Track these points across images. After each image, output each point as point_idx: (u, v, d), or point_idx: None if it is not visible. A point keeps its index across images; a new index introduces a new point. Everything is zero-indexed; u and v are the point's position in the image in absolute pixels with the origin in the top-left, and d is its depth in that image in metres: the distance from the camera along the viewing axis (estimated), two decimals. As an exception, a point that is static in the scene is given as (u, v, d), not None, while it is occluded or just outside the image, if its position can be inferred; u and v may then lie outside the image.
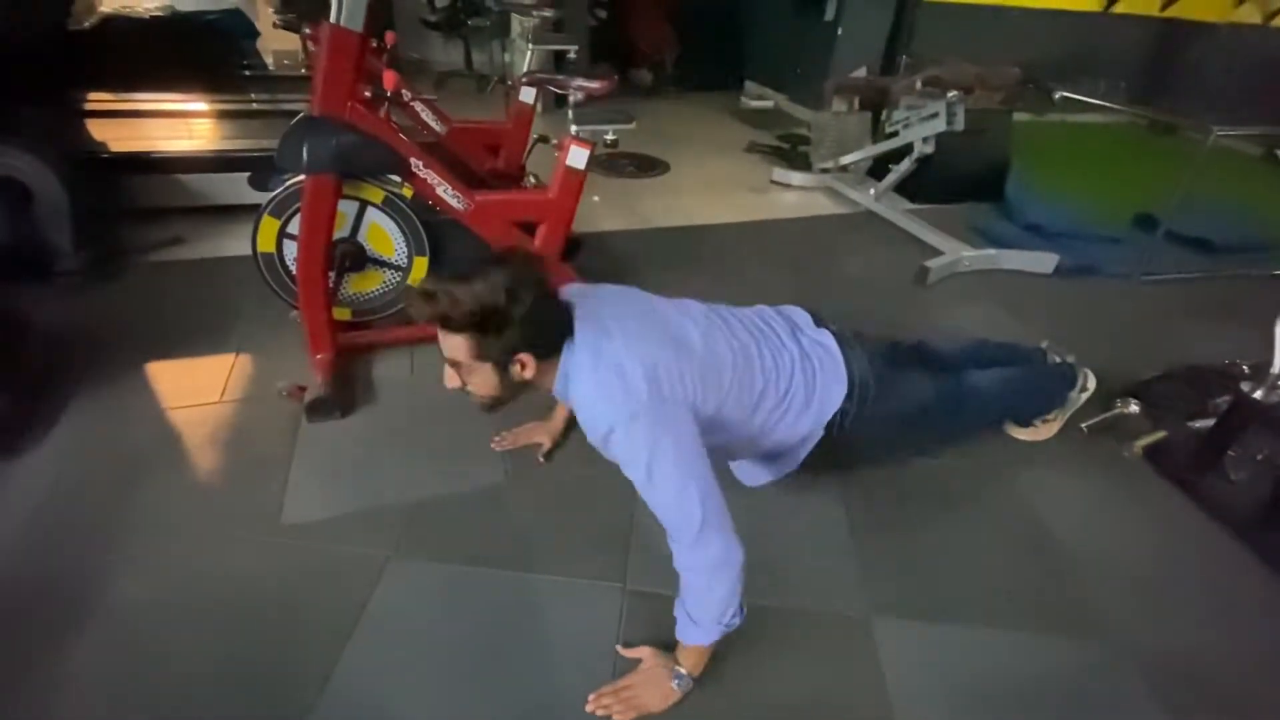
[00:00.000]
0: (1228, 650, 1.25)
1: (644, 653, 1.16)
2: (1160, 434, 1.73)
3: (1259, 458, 1.62)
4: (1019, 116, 3.64)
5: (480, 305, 1.00)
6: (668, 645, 1.14)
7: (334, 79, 1.51)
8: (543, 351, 1.08)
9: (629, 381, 1.04)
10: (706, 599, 1.06)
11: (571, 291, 1.19)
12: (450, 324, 1.03)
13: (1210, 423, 1.69)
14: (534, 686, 1.13)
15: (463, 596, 1.27)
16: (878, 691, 1.15)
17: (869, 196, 3.27)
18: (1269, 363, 1.54)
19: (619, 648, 1.19)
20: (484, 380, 1.10)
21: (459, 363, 1.08)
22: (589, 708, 1.09)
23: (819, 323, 1.40)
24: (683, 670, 1.10)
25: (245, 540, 1.36)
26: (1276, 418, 1.52)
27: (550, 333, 1.09)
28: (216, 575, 1.29)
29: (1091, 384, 1.75)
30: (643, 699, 1.09)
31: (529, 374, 1.09)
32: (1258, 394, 1.54)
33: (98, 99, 3.17)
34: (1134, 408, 1.80)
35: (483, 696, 1.11)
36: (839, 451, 1.40)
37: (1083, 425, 1.76)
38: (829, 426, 1.32)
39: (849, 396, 1.31)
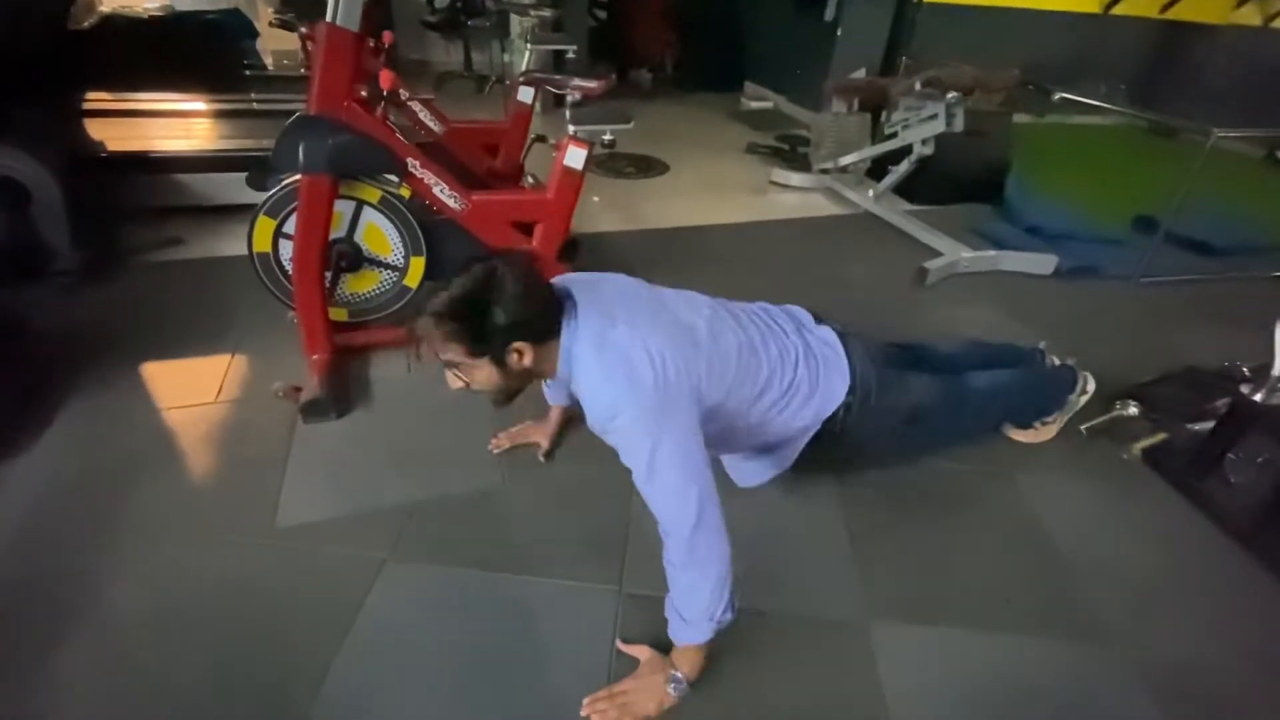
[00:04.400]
0: (1227, 655, 1.25)
1: (642, 651, 1.16)
2: (1160, 436, 1.72)
3: (1259, 460, 1.61)
4: (1019, 118, 3.64)
5: (458, 299, 1.01)
6: (666, 648, 1.14)
7: (330, 78, 1.50)
8: (537, 337, 1.06)
9: (634, 368, 1.02)
10: (696, 595, 1.05)
11: (574, 279, 1.18)
12: (438, 325, 1.02)
13: (1210, 425, 1.68)
14: (529, 690, 1.12)
15: (458, 599, 1.27)
16: (875, 696, 1.14)
17: (868, 198, 3.26)
18: (1269, 365, 1.53)
19: (618, 643, 1.19)
20: (484, 375, 1.09)
21: (455, 362, 1.08)
22: (584, 712, 1.08)
23: (820, 320, 1.40)
24: (679, 675, 1.09)
25: (240, 542, 1.35)
26: (1277, 420, 1.52)
27: (542, 317, 1.07)
28: (210, 578, 1.28)
29: (1091, 386, 1.74)
30: (638, 704, 1.08)
31: (528, 361, 1.06)
32: (1258, 396, 1.53)
33: (96, 98, 3.16)
34: (1133, 410, 1.80)
35: (478, 700, 1.10)
36: (838, 448, 1.39)
37: (1082, 427, 1.76)
38: (830, 421, 1.31)
39: (851, 391, 1.31)
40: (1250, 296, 2.61)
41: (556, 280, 1.18)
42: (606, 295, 1.13)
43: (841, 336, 1.36)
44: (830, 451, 1.38)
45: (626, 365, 1.03)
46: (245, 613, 1.22)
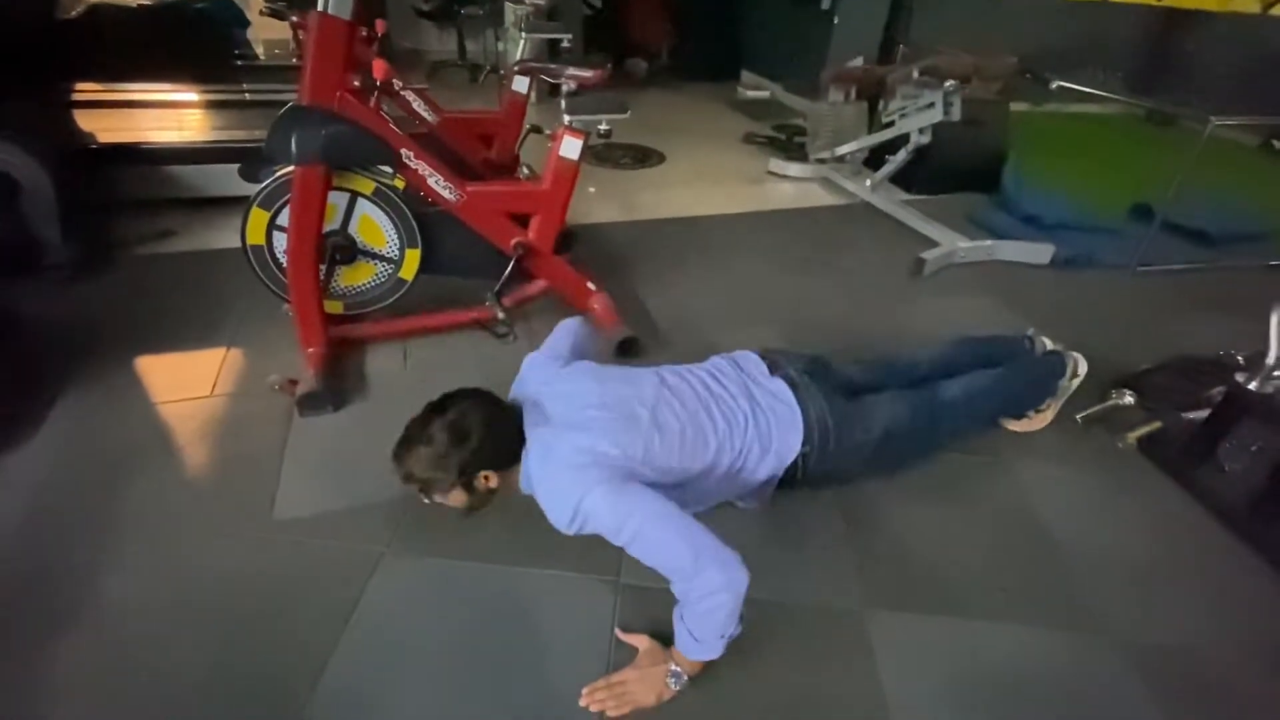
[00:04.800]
0: (1220, 641, 1.26)
1: (642, 640, 1.17)
2: (1155, 425, 1.72)
3: (1253, 449, 1.62)
4: (1016, 107, 3.62)
5: (434, 459, 1.20)
6: (664, 637, 1.14)
7: (322, 68, 1.49)
8: (501, 466, 1.24)
9: (579, 471, 1.13)
10: (709, 621, 1.05)
11: (526, 394, 1.33)
12: (421, 476, 1.23)
13: (1205, 413, 1.69)
14: (528, 681, 1.12)
15: (457, 591, 1.27)
16: (872, 685, 1.15)
17: (865, 187, 3.25)
18: (1264, 353, 1.54)
19: (617, 632, 1.20)
20: (455, 497, 1.25)
21: (426, 487, 1.25)
22: (583, 702, 1.09)
23: (773, 369, 1.43)
24: (679, 669, 1.10)
25: (236, 536, 1.35)
26: (1271, 408, 1.52)
27: (504, 448, 1.24)
28: (208, 572, 1.28)
29: (1082, 369, 1.74)
30: (637, 694, 1.09)
31: (493, 484, 1.24)
32: (1252, 384, 1.53)
33: (85, 89, 3.13)
34: (1129, 399, 1.80)
35: (476, 692, 1.10)
36: (810, 483, 1.43)
37: (1077, 416, 1.76)
38: (790, 469, 1.36)
39: (806, 441, 1.35)
40: (1246, 285, 2.61)
41: (515, 390, 1.38)
42: (553, 410, 1.26)
43: (794, 385, 1.39)
44: (803, 484, 1.42)
45: (569, 468, 1.14)
46: (243, 606, 1.22)
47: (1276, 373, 1.53)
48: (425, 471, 1.22)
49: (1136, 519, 1.53)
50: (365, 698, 1.08)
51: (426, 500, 1.27)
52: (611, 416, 1.23)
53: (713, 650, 1.07)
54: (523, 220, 1.84)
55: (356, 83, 1.60)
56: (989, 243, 2.74)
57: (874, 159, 3.40)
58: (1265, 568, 1.40)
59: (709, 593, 1.04)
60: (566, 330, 1.52)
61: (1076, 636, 1.25)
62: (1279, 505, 1.49)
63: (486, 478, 1.23)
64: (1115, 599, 1.33)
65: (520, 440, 1.24)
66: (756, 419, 1.33)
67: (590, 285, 1.98)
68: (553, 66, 1.88)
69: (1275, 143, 4.55)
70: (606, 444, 1.17)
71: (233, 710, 1.06)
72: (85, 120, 2.81)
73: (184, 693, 1.08)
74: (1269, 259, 2.85)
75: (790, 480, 1.38)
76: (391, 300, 1.92)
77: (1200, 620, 1.30)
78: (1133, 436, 1.71)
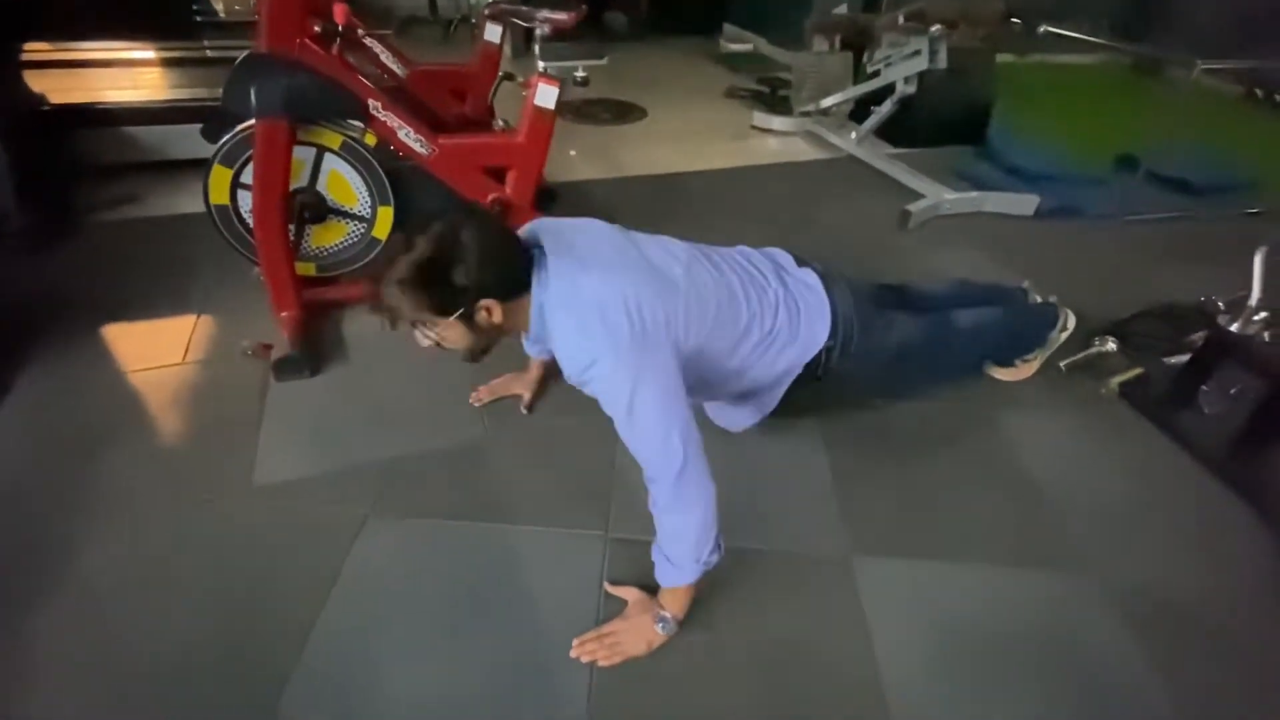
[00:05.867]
0: (1200, 580, 1.28)
1: (630, 592, 1.17)
2: (1137, 371, 1.73)
3: (1232, 392, 1.64)
4: (1002, 58, 3.56)
5: (420, 263, 0.98)
6: (653, 589, 1.14)
7: (280, 13, 1.41)
8: (505, 294, 1.04)
9: (608, 316, 1.00)
10: (683, 539, 1.05)
11: (542, 226, 1.14)
12: (403, 291, 1.00)
13: (1186, 358, 1.70)
14: (518, 635, 1.12)
15: (444, 551, 1.26)
16: (859, 628, 1.16)
17: (850, 141, 3.20)
18: (1245, 296, 1.54)
19: (606, 584, 1.20)
20: (454, 334, 1.07)
21: (422, 321, 1.05)
22: (573, 653, 1.09)
23: (801, 263, 1.37)
24: (667, 614, 1.10)
25: (216, 503, 1.33)
26: (1251, 350, 1.53)
27: (507, 274, 1.04)
28: (187, 539, 1.26)
29: (1071, 323, 1.75)
30: (627, 643, 1.09)
31: (497, 318, 1.05)
32: (1234, 327, 1.54)
33: (36, 49, 2.96)
34: (1111, 346, 1.81)
35: (466, 647, 1.10)
36: (821, 389, 1.38)
37: (1061, 364, 1.77)
38: (813, 364, 1.30)
39: (833, 334, 1.28)
40: (1227, 233, 2.61)
41: (524, 229, 1.14)
42: (577, 242, 1.10)
43: (823, 279, 1.33)
44: (814, 390, 1.37)
45: (600, 314, 1.00)
46: (225, 572, 1.20)
47: (1257, 315, 1.54)
48: (412, 293, 0.99)
49: (1118, 463, 1.55)
50: (353, 659, 1.08)
51: (423, 340, 1.09)
52: (649, 268, 1.09)
53: (688, 574, 1.07)
54: (499, 175, 1.78)
55: (318, 29, 1.51)
56: (974, 194, 2.72)
57: (859, 113, 3.34)
58: (1242, 505, 1.43)
59: (685, 506, 1.03)
60: None
61: (1059, 578, 1.27)
62: (1257, 447, 1.51)
63: (488, 309, 1.03)
64: (1097, 541, 1.35)
65: (528, 262, 1.06)
66: (787, 302, 1.25)
67: (571, 243, 1.93)
68: (524, 9, 1.80)
69: (1258, 92, 4.53)
70: (646, 292, 1.03)
71: (217, 675, 1.05)
72: (37, 81, 2.65)
73: (168, 661, 1.06)
74: (1249, 207, 2.85)
75: (807, 379, 1.32)
76: (366, 261, 1.87)
77: (1180, 560, 1.32)
78: (1115, 383, 1.72)
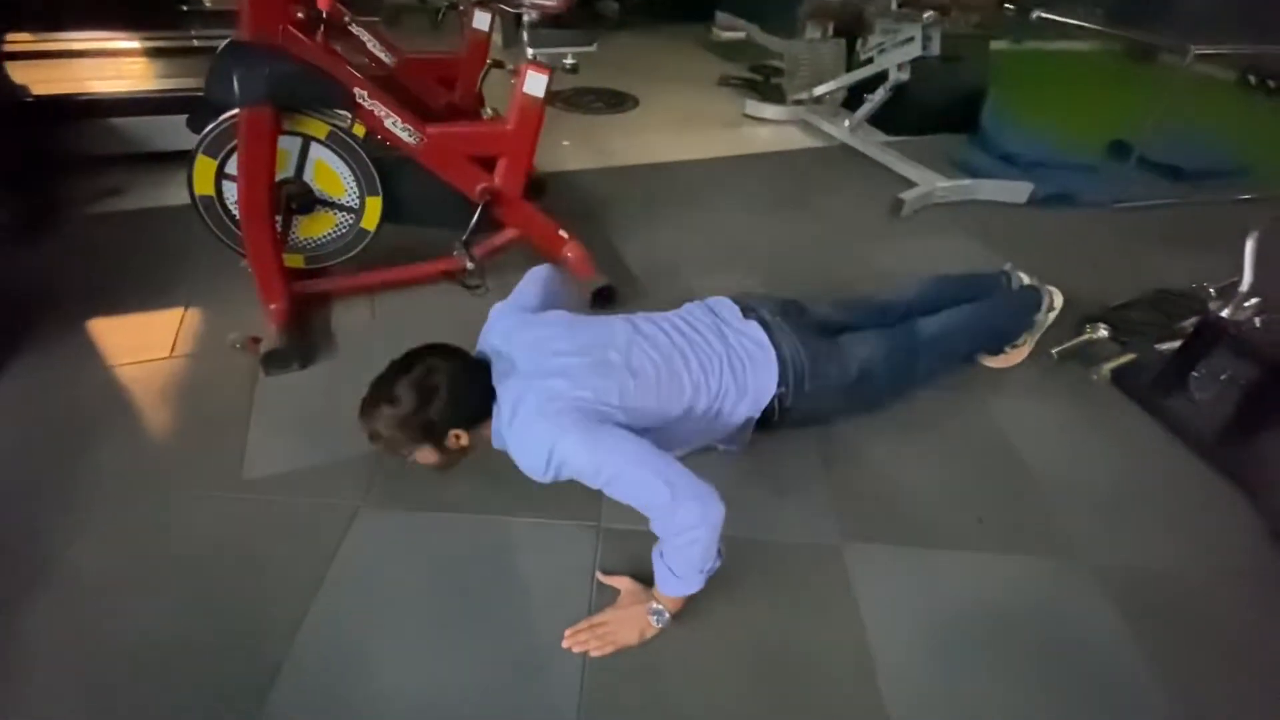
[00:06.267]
0: (1190, 563, 1.29)
1: (623, 582, 1.17)
2: (1128, 357, 1.74)
3: (1222, 378, 1.64)
4: (996, 45, 3.54)
5: (403, 417, 1.14)
6: (646, 578, 1.14)
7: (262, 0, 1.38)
8: (471, 424, 1.19)
9: (551, 418, 1.10)
10: (687, 555, 1.05)
11: (491, 345, 1.27)
12: (388, 434, 1.17)
13: (1177, 345, 1.70)
14: (510, 626, 1.12)
15: (436, 543, 1.26)
16: (852, 616, 1.16)
17: (844, 129, 3.18)
18: (1237, 282, 1.54)
19: (599, 574, 1.20)
20: (427, 457, 1.21)
21: (400, 448, 1.20)
22: (566, 644, 1.09)
23: (746, 312, 1.40)
24: (661, 606, 1.10)
25: (204, 497, 1.31)
26: (1241, 337, 1.53)
27: (473, 405, 1.19)
28: (176, 532, 1.25)
29: (1059, 302, 1.74)
30: (619, 634, 1.09)
31: (464, 442, 1.20)
32: (1225, 313, 1.54)
33: (18, 39, 2.91)
34: (1103, 333, 1.81)
35: (457, 638, 1.10)
36: (788, 424, 1.42)
37: (1053, 351, 1.77)
38: (768, 410, 1.35)
39: (782, 380, 1.33)
40: (1217, 220, 2.61)
41: (480, 345, 1.30)
42: (515, 357, 1.21)
43: (767, 327, 1.37)
44: (781, 425, 1.41)
45: (540, 416, 1.10)
46: (214, 566, 1.19)
47: (1248, 301, 1.54)
48: (392, 432, 1.16)
49: (1109, 449, 1.55)
50: (344, 652, 1.07)
51: (395, 458, 1.24)
52: (583, 362, 1.19)
53: (692, 584, 1.07)
54: (489, 165, 1.76)
55: (301, 15, 1.49)
56: (967, 182, 2.72)
57: (853, 101, 3.32)
58: (1232, 491, 1.44)
59: (687, 527, 1.03)
60: (534, 278, 1.46)
61: (1051, 562, 1.28)
62: (1247, 432, 1.52)
63: (457, 436, 1.18)
64: (1088, 526, 1.35)
65: (490, 394, 1.19)
66: (731, 361, 1.31)
67: (563, 233, 1.92)
68: (513, -4, 1.77)
69: (1251, 77, 4.53)
70: (578, 388, 1.13)
71: (207, 669, 1.04)
72: (18, 72, 2.62)
73: (157, 655, 1.06)
74: (1241, 194, 2.85)
75: (768, 421, 1.37)
76: (355, 252, 1.85)
77: (1171, 544, 1.33)
78: (1106, 369, 1.72)
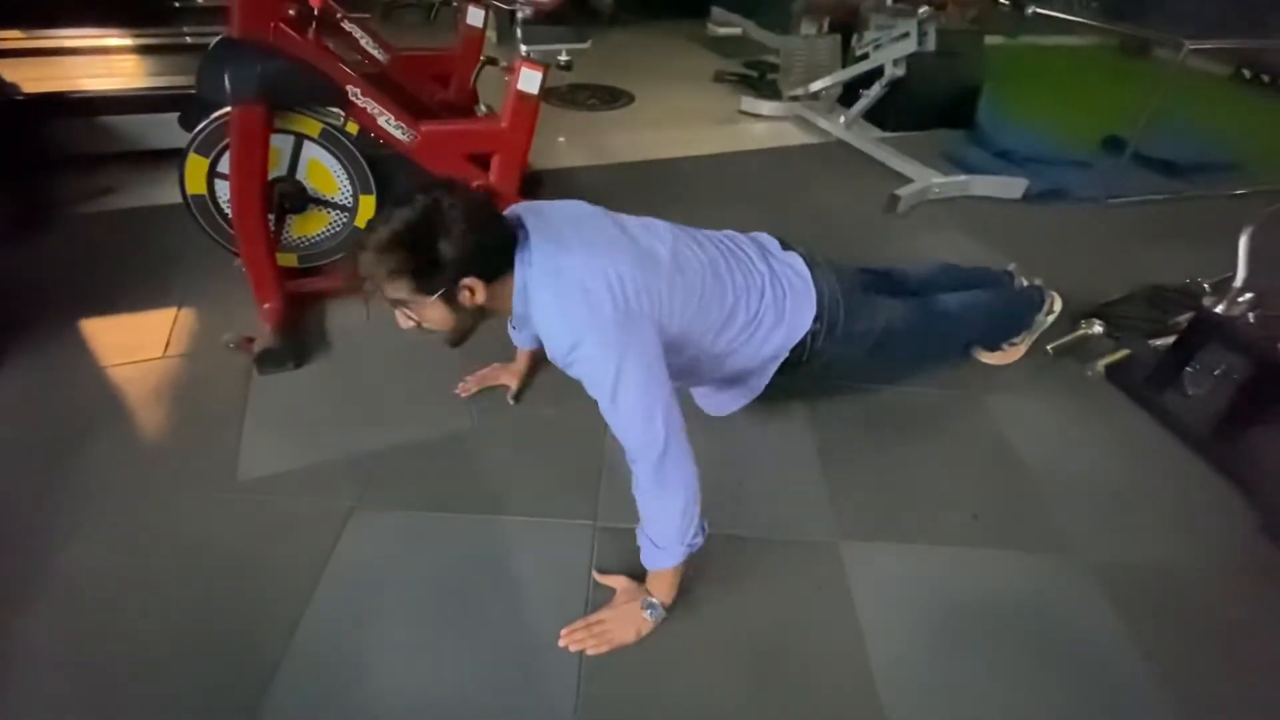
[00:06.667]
0: (1184, 558, 1.30)
1: (619, 581, 1.16)
2: (1123, 353, 1.74)
3: (1216, 373, 1.65)
4: (991, 40, 3.54)
5: (400, 231, 0.95)
6: (642, 577, 1.14)
7: (253, -4, 1.37)
8: (488, 273, 1.01)
9: (592, 296, 0.98)
10: (667, 520, 1.05)
11: (524, 207, 1.11)
12: (381, 261, 0.96)
13: (1171, 340, 1.70)
14: (507, 625, 1.12)
15: (432, 542, 1.25)
16: (847, 613, 1.16)
17: (839, 125, 3.18)
18: (1230, 278, 1.54)
19: (595, 573, 1.20)
20: (435, 315, 1.04)
21: (402, 300, 1.02)
22: (562, 643, 1.09)
23: (786, 246, 1.36)
24: (655, 600, 1.10)
25: (199, 498, 1.31)
26: (1236, 331, 1.54)
27: (491, 253, 1.02)
28: (171, 534, 1.24)
29: (1058, 306, 1.75)
30: (615, 632, 1.09)
31: (480, 299, 1.02)
32: (1219, 308, 1.54)
33: (8, 37, 2.89)
34: (1098, 328, 1.82)
35: (454, 638, 1.10)
36: (806, 374, 1.37)
37: (1048, 347, 1.77)
38: (798, 348, 1.29)
39: (818, 318, 1.28)
40: (1212, 215, 2.62)
41: (507, 211, 1.10)
42: (560, 221, 1.08)
43: (809, 263, 1.32)
44: (799, 375, 1.36)
45: (583, 292, 0.98)
46: (210, 567, 1.19)
47: (1242, 296, 1.55)
48: (393, 266, 0.96)
49: (1104, 445, 1.55)
50: (342, 650, 1.07)
51: (403, 322, 1.06)
52: (633, 247, 1.08)
53: (673, 556, 1.07)
54: (483, 162, 1.76)
55: (293, 12, 1.48)
56: (963, 178, 2.72)
57: (848, 97, 3.31)
58: (1226, 486, 1.44)
59: (668, 489, 1.03)
60: None
61: (1046, 558, 1.28)
62: (1241, 427, 1.52)
63: (471, 289, 1.00)
64: (1083, 522, 1.36)
65: (512, 243, 1.04)
66: (773, 285, 1.25)
67: (558, 230, 1.91)
68: (506, -8, 1.76)
69: (1245, 72, 4.53)
70: (624, 275, 1.01)
71: (202, 671, 1.04)
72: (8, 70, 2.59)
73: (152, 657, 1.05)
74: (1235, 189, 2.86)
75: (793, 363, 1.31)
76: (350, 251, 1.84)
77: (1165, 539, 1.33)
78: (1101, 365, 1.72)
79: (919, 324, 1.47)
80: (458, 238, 0.95)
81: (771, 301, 1.24)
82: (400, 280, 0.98)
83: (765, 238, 1.37)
